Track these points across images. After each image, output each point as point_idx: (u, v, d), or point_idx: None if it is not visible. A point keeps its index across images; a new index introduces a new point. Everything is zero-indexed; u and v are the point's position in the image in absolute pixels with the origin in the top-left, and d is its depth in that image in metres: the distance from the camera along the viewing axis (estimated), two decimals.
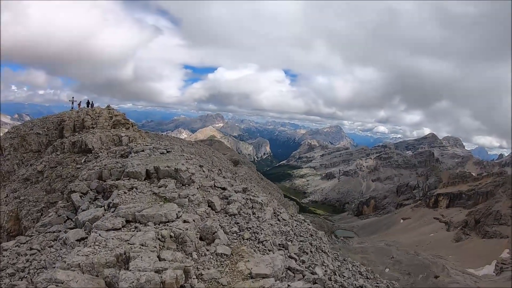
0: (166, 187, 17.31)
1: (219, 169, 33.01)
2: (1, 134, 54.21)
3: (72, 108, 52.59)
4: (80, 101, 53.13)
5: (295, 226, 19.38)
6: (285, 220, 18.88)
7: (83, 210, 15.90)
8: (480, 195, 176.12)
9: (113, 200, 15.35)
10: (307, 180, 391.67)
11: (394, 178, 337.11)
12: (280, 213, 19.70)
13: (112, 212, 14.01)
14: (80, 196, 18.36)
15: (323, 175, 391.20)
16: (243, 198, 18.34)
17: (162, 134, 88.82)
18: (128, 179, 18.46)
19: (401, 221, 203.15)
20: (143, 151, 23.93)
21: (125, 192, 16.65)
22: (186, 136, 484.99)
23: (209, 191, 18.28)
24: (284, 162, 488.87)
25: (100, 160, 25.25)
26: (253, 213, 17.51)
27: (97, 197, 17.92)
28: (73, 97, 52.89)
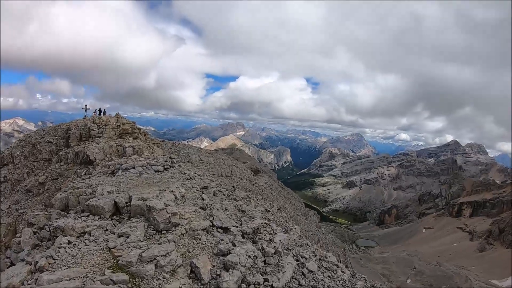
0: (128, 237, 11.43)
1: (233, 186, 27.72)
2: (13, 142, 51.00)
3: (85, 116, 48.89)
4: (98, 109, 49.30)
5: (327, 280, 13.50)
6: (312, 272, 13.28)
7: (9, 266, 10.92)
8: (505, 204, 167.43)
9: (39, 261, 9.70)
10: (328, 189, 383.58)
11: (416, 186, 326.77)
12: (306, 259, 14.16)
13: (34, 282, 8.75)
14: (34, 233, 13.31)
15: (344, 183, 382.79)
16: (252, 255, 11.79)
17: (180, 143, 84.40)
18: (87, 216, 13.65)
19: (423, 230, 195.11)
20: (133, 168, 19.42)
21: (69, 243, 11.12)
22: (207, 144, 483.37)
23: (199, 240, 12.28)
24: (305, 170, 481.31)
25: (91, 177, 20.29)
26: (265, 278, 11.19)
27: (43, 241, 12.77)
28: (86, 105, 49.24)
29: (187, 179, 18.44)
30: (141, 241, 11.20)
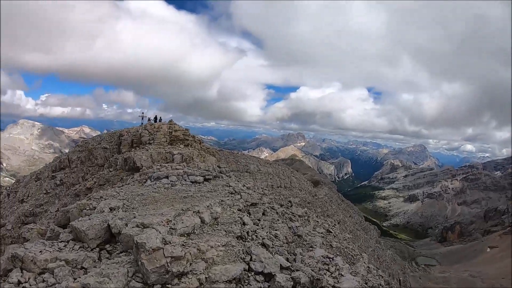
0: None
1: (290, 201, 23.71)
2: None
3: (142, 123, 47.41)
4: (154, 117, 47.75)
5: None
6: None
7: None
8: None
9: None
10: (389, 202, 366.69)
11: (482, 201, 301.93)
12: None
13: None
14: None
15: (406, 197, 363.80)
16: None
17: (238, 153, 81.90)
18: (67, 243, 9.82)
19: (488, 250, 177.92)
20: (166, 177, 16.07)
21: (19, 284, 7.56)
22: (267, 155, 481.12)
23: None
24: (365, 182, 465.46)
25: (123, 186, 17.34)
26: None
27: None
28: (142, 112, 47.90)
29: (231, 193, 14.75)
30: None
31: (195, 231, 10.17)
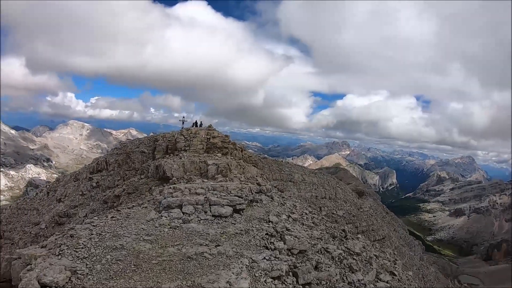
0: None
1: (343, 230, 18.77)
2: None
3: (182, 128, 43.83)
4: (195, 121, 44.27)
5: None
6: None
7: None
8: None
9: None
10: (434, 216, 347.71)
11: None
12: None
13: None
14: None
15: (452, 211, 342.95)
16: None
17: (282, 161, 77.61)
18: None
19: None
20: (179, 206, 11.61)
21: None
22: (311, 162, 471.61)
23: None
24: (410, 194, 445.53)
25: (121, 211, 13.24)
26: None
27: None
28: (183, 117, 44.22)
29: (270, 235, 10.11)
30: None
31: None
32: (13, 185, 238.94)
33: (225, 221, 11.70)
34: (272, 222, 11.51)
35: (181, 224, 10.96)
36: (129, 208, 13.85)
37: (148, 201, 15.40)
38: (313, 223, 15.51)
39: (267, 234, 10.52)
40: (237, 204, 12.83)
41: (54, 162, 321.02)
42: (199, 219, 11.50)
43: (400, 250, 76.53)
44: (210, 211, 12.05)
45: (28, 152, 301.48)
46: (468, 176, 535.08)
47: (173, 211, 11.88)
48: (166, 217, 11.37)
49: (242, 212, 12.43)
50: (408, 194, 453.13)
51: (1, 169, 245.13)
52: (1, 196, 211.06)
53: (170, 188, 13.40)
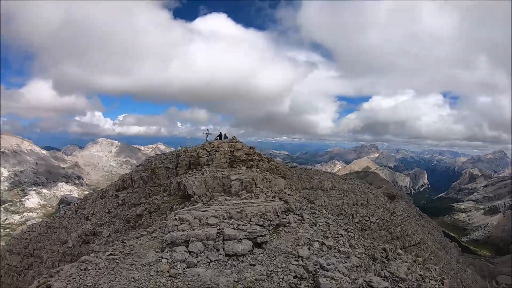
0: None
1: (383, 249, 16.53)
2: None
3: (207, 141, 42.20)
4: (219, 133, 42.67)
5: None
6: None
7: None
8: None
9: None
10: (468, 215, 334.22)
11: None
12: None
13: None
14: None
15: (486, 209, 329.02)
16: None
17: (311, 169, 75.69)
18: None
19: None
20: (186, 243, 9.76)
21: None
22: (340, 168, 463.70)
23: None
24: (443, 194, 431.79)
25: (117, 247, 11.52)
26: None
27: None
28: (207, 130, 42.56)
29: (300, 277, 7.89)
30: None
31: None
32: (45, 202, 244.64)
33: (242, 261, 9.56)
34: (302, 257, 9.49)
35: (185, 270, 8.93)
36: (137, 237, 12.15)
37: (159, 228, 13.68)
38: (350, 245, 13.36)
39: (295, 277, 8.49)
40: (258, 236, 10.57)
41: (85, 180, 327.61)
42: (209, 260, 9.46)
43: (436, 254, 73.39)
44: (224, 248, 9.95)
45: (59, 170, 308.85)
46: (501, 172, 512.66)
47: (177, 249, 9.85)
48: (167, 259, 9.30)
49: (265, 245, 10.32)
50: (440, 195, 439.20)
51: (34, 188, 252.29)
52: (34, 213, 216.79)
53: (176, 219, 11.34)
